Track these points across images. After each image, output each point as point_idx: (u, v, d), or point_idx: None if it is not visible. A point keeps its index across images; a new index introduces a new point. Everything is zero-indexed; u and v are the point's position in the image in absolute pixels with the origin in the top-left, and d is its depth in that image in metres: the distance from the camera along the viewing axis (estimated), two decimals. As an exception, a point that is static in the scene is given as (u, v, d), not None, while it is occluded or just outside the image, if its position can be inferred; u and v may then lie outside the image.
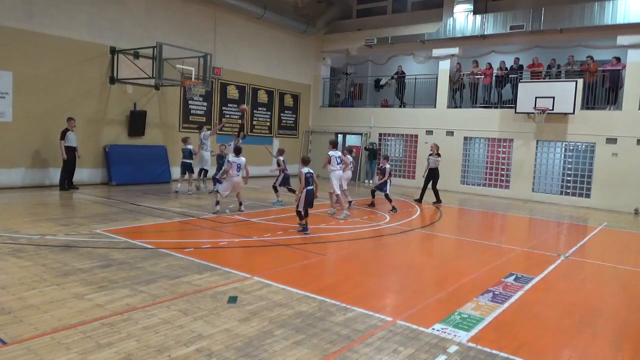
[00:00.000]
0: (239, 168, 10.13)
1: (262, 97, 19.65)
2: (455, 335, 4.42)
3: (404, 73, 19.90)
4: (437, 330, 4.54)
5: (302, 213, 8.63)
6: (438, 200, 13.92)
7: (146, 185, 14.34)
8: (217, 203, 10.25)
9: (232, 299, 5.01)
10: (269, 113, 20.02)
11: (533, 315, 5.24)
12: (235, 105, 18.46)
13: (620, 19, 14.54)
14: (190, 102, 16.65)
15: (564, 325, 5.00)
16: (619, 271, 7.47)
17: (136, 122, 14.83)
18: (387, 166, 12.13)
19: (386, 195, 12.02)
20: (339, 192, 10.63)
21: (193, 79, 14.02)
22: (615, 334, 4.96)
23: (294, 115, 21.30)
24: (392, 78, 20.14)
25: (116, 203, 10.95)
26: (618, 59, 15.35)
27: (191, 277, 5.69)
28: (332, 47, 21.42)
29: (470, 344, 4.27)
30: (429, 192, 14.09)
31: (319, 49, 21.63)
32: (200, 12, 16.67)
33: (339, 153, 11.07)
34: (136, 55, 14.34)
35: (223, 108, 18.01)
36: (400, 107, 19.86)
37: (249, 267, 6.25)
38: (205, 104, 17.25)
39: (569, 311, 5.47)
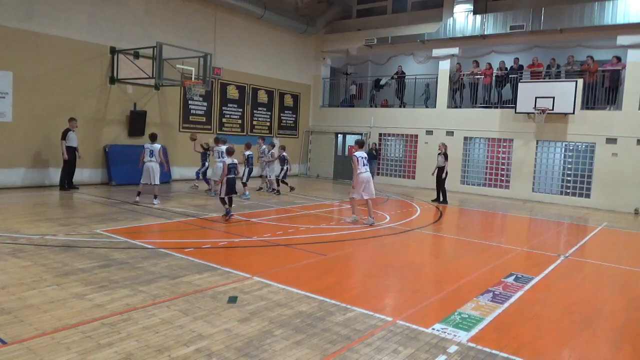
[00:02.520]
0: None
1: (262, 97, 19.65)
2: (455, 335, 4.42)
3: (404, 73, 19.90)
4: (437, 330, 4.54)
5: (225, 199, 9.53)
6: (442, 201, 13.89)
7: (146, 186, 14.30)
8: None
9: (232, 299, 5.01)
10: (269, 113, 20.02)
11: (533, 315, 5.24)
12: (236, 105, 18.46)
13: (621, 19, 14.54)
14: (190, 102, 16.65)
15: (563, 325, 5.00)
16: (618, 271, 7.47)
17: (136, 122, 14.83)
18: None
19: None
20: (365, 197, 9.70)
21: (193, 79, 14.03)
22: (615, 333, 4.96)
23: (294, 115, 21.30)
24: (392, 78, 20.14)
25: (116, 203, 10.96)
26: (618, 59, 15.34)
27: (191, 277, 5.69)
28: (332, 47, 21.42)
29: (470, 344, 4.27)
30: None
31: (319, 49, 21.63)
32: (200, 12, 16.68)
33: (364, 154, 9.95)
34: (136, 55, 14.34)
35: (223, 108, 18.01)
36: (400, 107, 19.88)
37: (249, 267, 6.25)
38: (205, 104, 17.26)
39: (568, 311, 5.47)
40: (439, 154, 14.15)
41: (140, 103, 15.05)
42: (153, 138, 11.03)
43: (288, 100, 20.91)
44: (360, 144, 10.10)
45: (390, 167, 19.91)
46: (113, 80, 14.24)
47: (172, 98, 16.10)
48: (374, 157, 18.98)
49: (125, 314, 4.45)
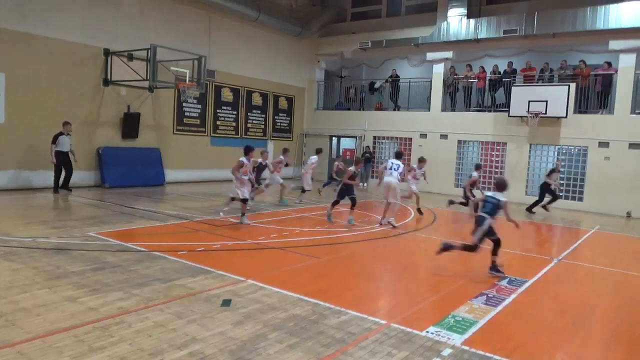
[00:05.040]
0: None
1: (257, 99, 19.63)
2: (449, 339, 4.43)
3: (398, 76, 19.98)
4: (431, 333, 4.54)
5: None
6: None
7: (140, 188, 14.27)
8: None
9: (226, 302, 4.99)
10: (264, 116, 20.00)
11: (526, 317, 5.26)
12: (230, 108, 18.43)
13: (612, 24, 14.68)
14: (184, 104, 16.61)
15: (557, 327, 5.02)
16: (610, 274, 7.52)
17: (130, 124, 14.78)
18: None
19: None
20: (393, 201, 10.18)
21: (187, 81, 14.00)
22: (607, 335, 4.99)
23: (289, 118, 21.30)
24: (387, 81, 20.21)
25: (109, 205, 10.89)
26: (609, 64, 15.49)
27: (185, 280, 5.66)
28: (326, 50, 21.46)
29: (464, 347, 4.28)
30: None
31: (313, 52, 21.66)
32: (195, 15, 16.66)
33: (394, 160, 10.36)
34: (130, 57, 14.29)
35: (217, 111, 17.98)
36: (394, 110, 19.94)
37: (243, 270, 6.23)
38: (199, 106, 17.22)
39: (562, 313, 5.50)
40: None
41: (134, 105, 14.99)
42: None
43: (282, 103, 20.91)
44: (397, 155, 10.71)
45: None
46: (107, 82, 14.18)
47: (166, 100, 16.06)
48: (368, 160, 18.99)
49: (118, 318, 4.42)
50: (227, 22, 17.76)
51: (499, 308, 5.40)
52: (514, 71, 17.25)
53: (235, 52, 18.30)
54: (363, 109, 20.88)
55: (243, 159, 9.62)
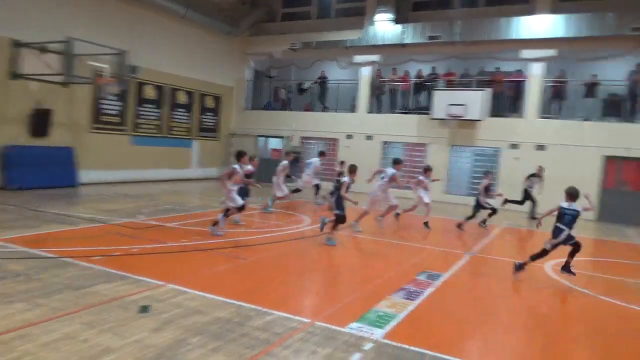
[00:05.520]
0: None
1: (182, 98, 19.00)
2: (371, 333, 4.54)
3: (327, 78, 20.22)
4: (354, 329, 4.63)
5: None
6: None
7: (50, 190, 13.26)
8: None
9: (144, 308, 4.76)
10: (188, 114, 19.40)
11: (443, 309, 5.53)
12: (153, 106, 17.69)
13: (524, 35, 15.85)
14: (102, 101, 15.68)
15: (470, 317, 5.32)
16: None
17: (39, 121, 13.68)
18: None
19: None
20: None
21: (106, 77, 13.21)
22: (513, 322, 5.37)
23: (216, 118, 20.83)
24: (315, 82, 20.39)
25: (14, 209, 10.02)
26: (520, 71, 16.72)
27: (98, 287, 5.33)
28: (256, 50, 21.25)
29: (385, 341, 4.41)
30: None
31: (242, 51, 21.35)
32: (117, 7, 15.78)
33: (388, 169, 10.68)
34: (43, 50, 13.25)
35: (139, 109, 17.17)
36: (322, 111, 20.15)
37: (163, 274, 5.98)
38: (120, 103, 16.34)
39: (474, 303, 5.84)
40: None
41: (46, 101, 13.91)
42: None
43: (209, 102, 20.41)
44: (396, 162, 10.81)
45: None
46: (15, 75, 13.05)
47: (82, 96, 15.06)
48: (296, 160, 18.99)
49: (21, 331, 4.07)
50: (152, 16, 17.02)
51: (418, 301, 5.61)
52: (437, 76, 18.08)
53: (161, 48, 17.58)
54: (291, 110, 20.91)
55: (236, 166, 8.67)
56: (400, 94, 18.71)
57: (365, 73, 18.99)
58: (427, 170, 11.89)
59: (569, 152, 15.18)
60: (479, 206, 11.34)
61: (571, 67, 16.16)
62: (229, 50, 20.86)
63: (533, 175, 14.00)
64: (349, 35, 18.88)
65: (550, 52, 15.81)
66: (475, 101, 16.12)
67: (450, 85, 17.67)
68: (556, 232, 6.77)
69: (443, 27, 17.03)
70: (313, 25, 20.45)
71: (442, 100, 16.60)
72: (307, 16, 21.05)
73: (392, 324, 4.83)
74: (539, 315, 5.74)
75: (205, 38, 19.45)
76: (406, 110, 18.36)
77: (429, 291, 6.06)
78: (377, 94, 19.00)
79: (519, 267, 7.04)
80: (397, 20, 18.04)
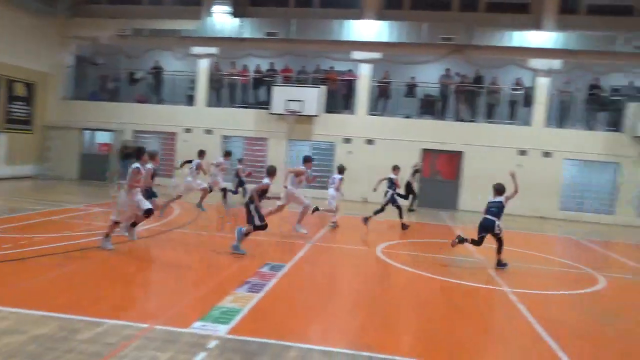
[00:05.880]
0: None
1: (-17, 83, 16.10)
2: (215, 330, 4.44)
3: (162, 68, 19.11)
4: (197, 328, 4.48)
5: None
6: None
7: None
8: None
9: None
10: (-7, 103, 16.54)
11: (287, 298, 5.69)
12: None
13: (355, 37, 17.10)
14: None
15: (312, 303, 5.58)
16: (352, 251, 8.75)
17: None
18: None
19: None
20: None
21: None
22: (351, 304, 5.78)
23: (29, 108, 18.13)
24: (149, 73, 19.11)
25: None
26: (351, 71, 18.03)
27: None
28: (78, 33, 18.96)
29: (229, 336, 4.36)
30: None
31: (62, 34, 18.89)
32: None
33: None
34: None
35: None
36: (157, 103, 19.00)
37: (-39, 291, 5.01)
38: None
39: (315, 290, 6.13)
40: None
41: None
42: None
43: (20, 90, 17.67)
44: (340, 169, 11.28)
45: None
46: None
47: None
48: (128, 156, 17.61)
49: None
50: None
51: (262, 293, 5.67)
52: (275, 71, 18.45)
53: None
54: (122, 101, 19.24)
55: (137, 165, 7.50)
56: (240, 88, 18.66)
57: (204, 65, 18.46)
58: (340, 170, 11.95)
59: (394, 146, 16.88)
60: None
61: (394, 69, 17.96)
62: (45, 32, 18.28)
63: (417, 171, 15.28)
64: (186, 25, 18.12)
65: (376, 55, 17.37)
66: (312, 98, 16.91)
67: (288, 81, 18.22)
68: (485, 222, 7.76)
69: (280, 24, 17.43)
70: (145, 11, 19.10)
71: (281, 96, 17.04)
72: (138, 1, 19.57)
73: (237, 318, 4.80)
74: (373, 293, 6.27)
75: (15, 17, 16.75)
76: (246, 105, 18.38)
77: (272, 282, 6.17)
78: (216, 87, 18.65)
79: (460, 241, 7.93)
80: (235, 14, 17.88)
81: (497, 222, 7.67)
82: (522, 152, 16.33)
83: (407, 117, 17.42)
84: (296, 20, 17.31)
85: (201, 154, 12.18)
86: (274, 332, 4.54)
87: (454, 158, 17.01)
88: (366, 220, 11.03)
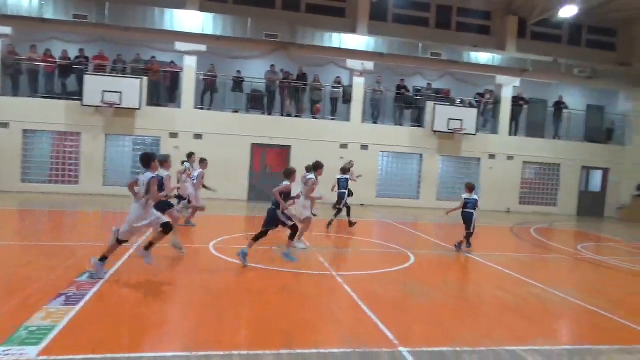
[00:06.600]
0: None
1: None
2: (22, 354, 3.80)
3: None
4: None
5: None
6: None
7: None
8: None
9: None
10: None
11: (110, 307, 5.14)
12: None
13: (178, 27, 16.21)
14: None
15: (139, 310, 5.14)
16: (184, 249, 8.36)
17: None
18: None
19: None
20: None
21: None
22: (182, 304, 5.50)
23: None
24: None
25: None
26: (174, 63, 17.15)
27: None
28: None
29: (40, 358, 3.77)
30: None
31: None
32: None
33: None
34: None
35: None
36: None
37: None
38: None
39: (143, 295, 5.67)
40: None
41: None
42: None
43: None
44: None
45: None
46: None
47: None
48: None
49: None
50: None
51: (80, 305, 5.04)
52: (87, 59, 16.53)
53: None
54: None
55: (154, 174, 6.20)
56: (44, 76, 16.29)
57: (-7, 47, 15.62)
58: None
59: (223, 140, 16.66)
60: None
61: (220, 62, 17.64)
62: None
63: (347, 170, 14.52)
64: (-31, -2, 15.06)
65: (201, 47, 16.80)
66: (132, 89, 15.66)
67: (103, 70, 16.53)
68: (465, 216, 9.49)
69: (89, 6, 15.63)
70: None
71: (95, 86, 15.41)
72: None
73: (50, 336, 4.17)
74: (206, 290, 6.07)
75: None
76: (51, 95, 16.11)
77: (93, 291, 5.53)
78: (12, 73, 15.95)
79: (458, 247, 9.61)
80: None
81: (474, 215, 9.50)
82: (344, 146, 17.70)
83: (236, 111, 17.35)
84: (109, 4, 15.71)
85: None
86: (97, 345, 4.08)
87: (283, 152, 17.55)
88: (351, 224, 11.78)
